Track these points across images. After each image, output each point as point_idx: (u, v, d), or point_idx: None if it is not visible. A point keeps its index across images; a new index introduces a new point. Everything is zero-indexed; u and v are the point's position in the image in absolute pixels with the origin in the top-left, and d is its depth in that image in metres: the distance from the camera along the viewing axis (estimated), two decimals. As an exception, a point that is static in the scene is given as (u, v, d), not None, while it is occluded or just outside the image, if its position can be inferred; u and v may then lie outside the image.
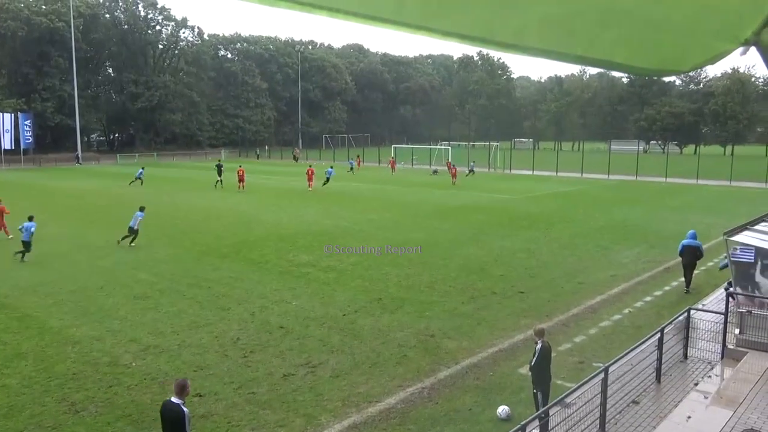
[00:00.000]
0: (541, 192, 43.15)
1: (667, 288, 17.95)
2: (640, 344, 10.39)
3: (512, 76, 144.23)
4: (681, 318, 11.97)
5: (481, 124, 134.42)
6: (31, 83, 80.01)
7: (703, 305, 15.03)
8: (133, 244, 23.03)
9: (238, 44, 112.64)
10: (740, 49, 1.63)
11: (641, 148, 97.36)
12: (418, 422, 9.80)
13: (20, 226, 21.22)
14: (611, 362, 9.39)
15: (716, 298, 15.44)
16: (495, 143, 76.86)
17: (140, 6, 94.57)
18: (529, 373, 9.50)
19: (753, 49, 1.63)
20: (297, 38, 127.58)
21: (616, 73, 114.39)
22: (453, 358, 12.36)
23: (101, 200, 37.77)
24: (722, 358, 11.81)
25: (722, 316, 12.01)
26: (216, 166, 47.48)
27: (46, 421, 9.70)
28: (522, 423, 7.26)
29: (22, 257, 20.75)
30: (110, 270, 19.46)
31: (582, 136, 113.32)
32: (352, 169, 61.03)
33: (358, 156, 69.35)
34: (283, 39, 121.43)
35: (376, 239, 24.37)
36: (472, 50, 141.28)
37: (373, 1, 1.33)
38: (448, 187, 45.99)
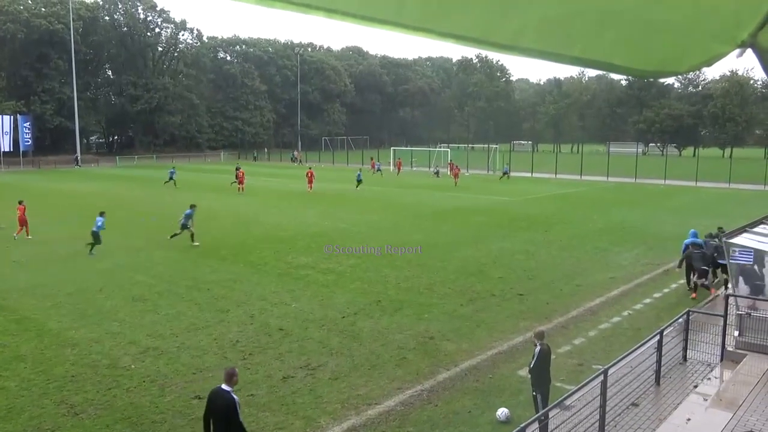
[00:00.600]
0: (540, 194, 43.18)
1: (666, 290, 17.95)
2: (640, 346, 10.38)
3: (511, 78, 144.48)
4: (680, 320, 11.97)
5: (480, 126, 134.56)
6: (31, 85, 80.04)
7: (702, 307, 15.04)
8: (180, 239, 23.50)
9: (237, 46, 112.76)
10: (737, 51, 1.64)
11: (640, 150, 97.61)
12: (418, 424, 9.79)
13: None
14: (610, 364, 9.39)
15: (715, 300, 15.44)
16: (494, 145, 76.95)
17: (139, 8, 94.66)
18: (529, 376, 9.50)
19: (749, 51, 1.64)
20: (296, 40, 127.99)
21: (614, 76, 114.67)
22: (452, 361, 12.35)
23: (100, 202, 37.71)
24: (722, 360, 11.81)
25: (721, 318, 12.00)
26: (236, 168, 48.80)
27: (45, 424, 9.68)
28: (521, 425, 7.25)
29: (91, 250, 22.02)
30: (109, 272, 19.44)
31: (581, 139, 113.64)
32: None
33: (372, 158, 67.72)
34: (282, 41, 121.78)
35: (375, 241, 24.36)
36: (471, 52, 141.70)
37: (371, 2, 1.34)
38: (447, 189, 46.01)
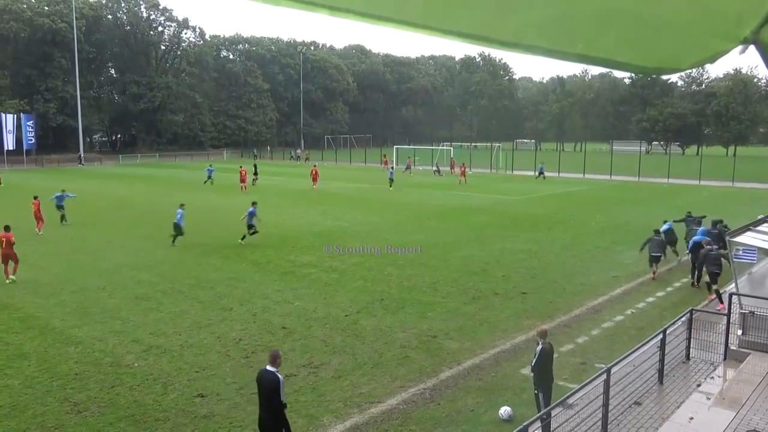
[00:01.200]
0: (542, 193, 43.13)
1: (669, 289, 17.93)
2: (643, 345, 10.38)
3: (514, 76, 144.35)
4: (683, 319, 11.95)
5: (483, 124, 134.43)
6: (34, 84, 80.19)
7: (706, 306, 15.02)
8: (243, 241, 23.47)
9: (240, 45, 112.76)
10: (739, 48, 1.63)
11: (643, 148, 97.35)
12: (420, 423, 9.80)
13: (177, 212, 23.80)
14: (613, 363, 9.38)
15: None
16: (497, 144, 76.85)
17: (142, 7, 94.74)
18: (531, 374, 9.49)
19: (752, 48, 1.63)
20: (299, 39, 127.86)
21: (618, 74, 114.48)
22: (455, 359, 12.35)
23: (102, 201, 37.81)
24: (725, 359, 11.78)
25: (725, 316, 11.98)
26: (254, 165, 51.45)
27: (49, 421, 9.71)
28: (524, 424, 7.26)
29: (173, 241, 23.16)
30: (112, 271, 19.48)
31: (584, 137, 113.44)
32: (439, 171, 59.32)
33: (409, 157, 66.56)
34: (285, 40, 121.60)
35: (378, 240, 24.37)
36: (473, 51, 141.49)
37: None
38: (450, 188, 45.97)
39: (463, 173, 51.00)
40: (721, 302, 14.85)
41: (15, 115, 71.64)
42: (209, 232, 26.63)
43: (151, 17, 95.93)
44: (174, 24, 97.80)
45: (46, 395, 10.61)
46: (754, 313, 11.99)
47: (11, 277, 18.20)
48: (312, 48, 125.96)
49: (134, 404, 10.31)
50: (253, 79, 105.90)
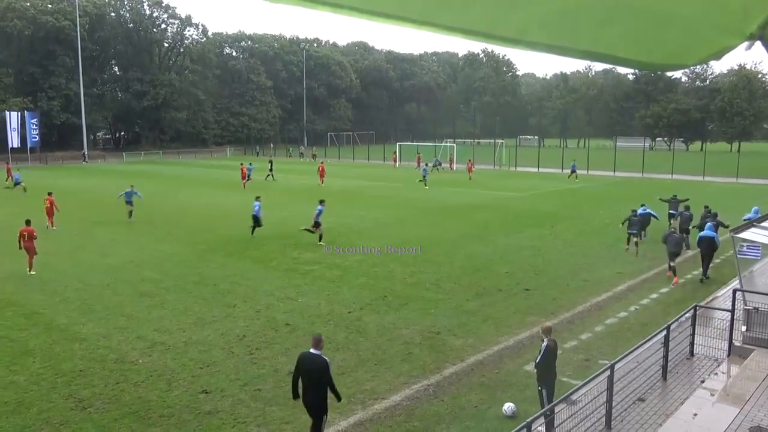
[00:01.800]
0: (546, 189, 43.06)
1: (673, 285, 17.89)
2: (647, 341, 10.37)
3: (517, 73, 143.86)
4: (687, 315, 11.94)
5: (487, 121, 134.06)
6: (38, 82, 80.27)
7: (710, 302, 15.00)
8: (321, 243, 23.13)
9: (243, 42, 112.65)
10: (745, 44, 1.62)
11: (647, 145, 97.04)
12: (424, 419, 9.82)
13: (254, 204, 24.89)
14: (617, 359, 9.38)
15: (723, 295, 15.39)
16: (500, 140, 76.75)
17: (145, 4, 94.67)
18: (535, 371, 9.49)
19: (758, 44, 1.63)
20: (302, 36, 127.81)
21: (622, 70, 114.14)
22: (458, 356, 12.36)
23: (106, 198, 37.86)
24: (729, 355, 11.76)
25: (729, 313, 11.96)
26: (269, 161, 52.99)
27: (54, 418, 9.76)
28: (527, 420, 7.26)
29: (252, 231, 24.26)
30: (116, 268, 19.53)
31: (587, 133, 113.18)
32: (440, 165, 58.80)
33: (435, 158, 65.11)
34: (288, 37, 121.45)
35: (381, 237, 24.38)
36: (477, 47, 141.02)
37: None
38: (453, 184, 45.95)
39: (470, 169, 51.61)
40: (675, 276, 18.09)
41: (19, 113, 71.75)
42: (213, 229, 26.67)
43: (154, 15, 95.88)
44: (177, 21, 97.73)
45: (52, 391, 10.66)
46: (758, 309, 11.96)
47: (32, 272, 18.81)
48: (315, 45, 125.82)
49: (139, 400, 10.35)
50: (256, 76, 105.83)
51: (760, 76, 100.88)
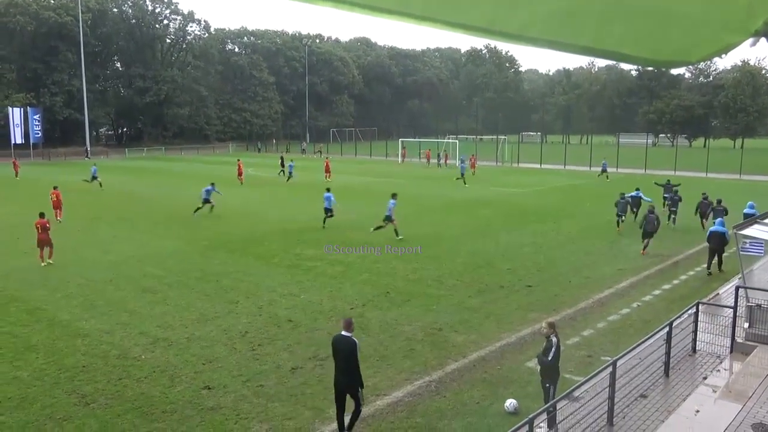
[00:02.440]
0: (548, 186, 43.00)
1: (675, 281, 17.89)
2: (649, 338, 10.35)
3: (520, 69, 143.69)
4: (690, 312, 11.92)
5: (489, 117, 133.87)
6: (40, 78, 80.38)
7: (713, 299, 14.97)
8: (399, 236, 23.24)
9: (245, 38, 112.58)
10: (750, 40, 1.61)
11: (650, 141, 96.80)
12: (426, 415, 9.82)
13: (324, 196, 26.35)
14: (619, 356, 9.37)
15: (726, 292, 15.37)
16: (503, 137, 76.66)
17: (147, 0, 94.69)
18: (538, 367, 9.47)
19: (763, 40, 1.61)
20: (304, 32, 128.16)
21: (625, 66, 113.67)
22: (460, 352, 12.37)
23: (108, 195, 37.93)
24: (731, 352, 11.75)
25: (731, 309, 11.94)
26: (280, 158, 54.20)
27: (57, 413, 9.79)
28: (530, 416, 7.26)
29: (324, 222, 25.60)
30: (118, 264, 19.57)
31: (590, 130, 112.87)
32: (464, 162, 58.22)
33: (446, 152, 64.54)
34: (290, 33, 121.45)
35: (383, 234, 24.35)
36: (479, 43, 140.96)
37: None
38: (456, 180, 45.88)
39: (473, 165, 51.98)
40: (644, 250, 20.92)
41: (22, 109, 71.90)
42: (215, 225, 26.70)
43: (157, 10, 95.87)
44: (179, 17, 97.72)
45: (54, 387, 10.69)
46: (761, 306, 11.94)
47: (48, 260, 19.34)
48: (317, 41, 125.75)
49: (141, 396, 10.37)
50: (258, 72, 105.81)
51: (764, 72, 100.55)
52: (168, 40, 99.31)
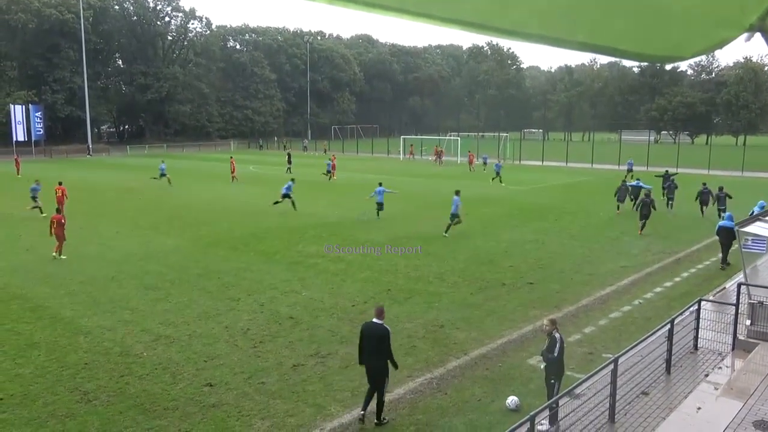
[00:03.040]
0: (550, 183, 42.96)
1: (677, 279, 17.87)
2: (650, 335, 10.35)
3: (522, 66, 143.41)
4: (691, 309, 11.91)
5: (491, 114, 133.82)
6: (42, 75, 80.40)
7: (715, 296, 14.96)
8: (446, 234, 23.33)
9: (247, 35, 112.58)
10: (744, 35, 1.61)
11: (652, 138, 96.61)
12: (427, 412, 9.84)
13: (375, 191, 27.76)
14: (621, 353, 9.37)
15: (728, 289, 15.35)
16: (504, 134, 76.59)
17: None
18: (543, 364, 9.47)
19: (758, 35, 1.61)
20: (305, 29, 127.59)
21: (627, 63, 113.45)
22: (462, 349, 12.37)
23: (111, 192, 37.97)
24: (733, 349, 11.74)
25: (733, 307, 11.93)
26: (287, 155, 54.30)
27: (59, 410, 9.81)
28: (531, 413, 7.27)
29: (378, 214, 26.97)
30: (120, 261, 19.59)
31: (592, 127, 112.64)
32: (485, 163, 54.94)
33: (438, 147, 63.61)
34: (292, 30, 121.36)
35: (384, 231, 24.38)
36: (481, 40, 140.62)
37: None
38: (457, 177, 45.86)
39: (471, 161, 52.73)
40: (641, 230, 23.67)
41: (23, 106, 71.96)
42: (216, 222, 26.72)
43: (158, 7, 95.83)
44: (181, 14, 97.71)
45: (57, 384, 10.72)
46: (762, 303, 11.93)
47: (54, 254, 19.71)
48: (319, 38, 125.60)
49: (143, 393, 10.40)
50: (259, 69, 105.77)
51: (766, 69, 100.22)
52: (169, 38, 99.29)
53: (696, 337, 11.85)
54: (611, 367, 8.78)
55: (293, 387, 10.66)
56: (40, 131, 73.58)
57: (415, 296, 15.86)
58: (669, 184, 30.20)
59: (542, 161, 59.88)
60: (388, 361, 9.47)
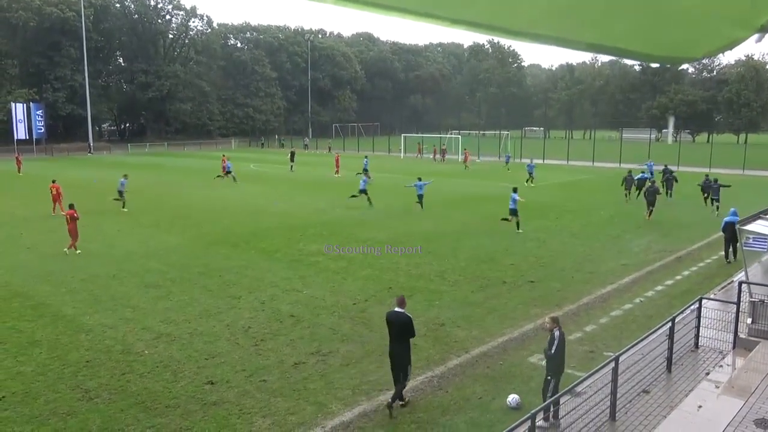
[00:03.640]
0: (551, 181, 42.91)
1: (678, 277, 17.86)
2: (651, 333, 10.35)
3: (523, 64, 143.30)
4: (692, 307, 11.90)
5: (492, 112, 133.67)
6: (43, 73, 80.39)
7: (715, 294, 14.95)
8: (519, 230, 23.83)
9: (248, 33, 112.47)
10: (755, 36, 1.60)
11: (653, 136, 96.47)
12: (428, 410, 9.84)
13: (414, 184, 29.20)
14: (622, 351, 9.38)
15: (729, 287, 15.34)
16: (505, 132, 76.53)
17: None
18: (544, 361, 9.48)
19: (768, 36, 1.61)
20: (306, 27, 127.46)
21: (628, 61, 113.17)
22: (463, 347, 12.38)
23: (112, 190, 37.94)
24: (734, 347, 11.74)
25: (734, 305, 11.92)
26: (290, 152, 54.87)
27: (61, 408, 9.82)
28: (532, 412, 7.28)
29: (420, 206, 28.37)
30: (122, 259, 19.60)
31: (593, 125, 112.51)
32: (507, 162, 54.44)
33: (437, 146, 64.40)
34: (293, 28, 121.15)
35: (385, 229, 24.37)
36: (482, 38, 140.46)
37: None
38: (458, 176, 45.83)
39: (466, 159, 53.99)
40: (648, 216, 26.70)
41: (25, 105, 71.96)
42: (218, 220, 26.72)
43: (159, 6, 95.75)
44: (182, 12, 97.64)
45: (58, 382, 10.73)
46: (763, 301, 11.92)
47: (65, 249, 20.06)
48: (320, 36, 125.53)
49: (145, 391, 10.41)
50: (260, 67, 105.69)
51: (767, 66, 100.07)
52: (170, 36, 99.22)
53: (697, 336, 11.85)
54: (612, 365, 8.78)
55: (294, 385, 10.67)
56: (41, 129, 73.58)
57: (416, 294, 15.86)
58: (668, 177, 33.10)
59: (543, 159, 59.76)
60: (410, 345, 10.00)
